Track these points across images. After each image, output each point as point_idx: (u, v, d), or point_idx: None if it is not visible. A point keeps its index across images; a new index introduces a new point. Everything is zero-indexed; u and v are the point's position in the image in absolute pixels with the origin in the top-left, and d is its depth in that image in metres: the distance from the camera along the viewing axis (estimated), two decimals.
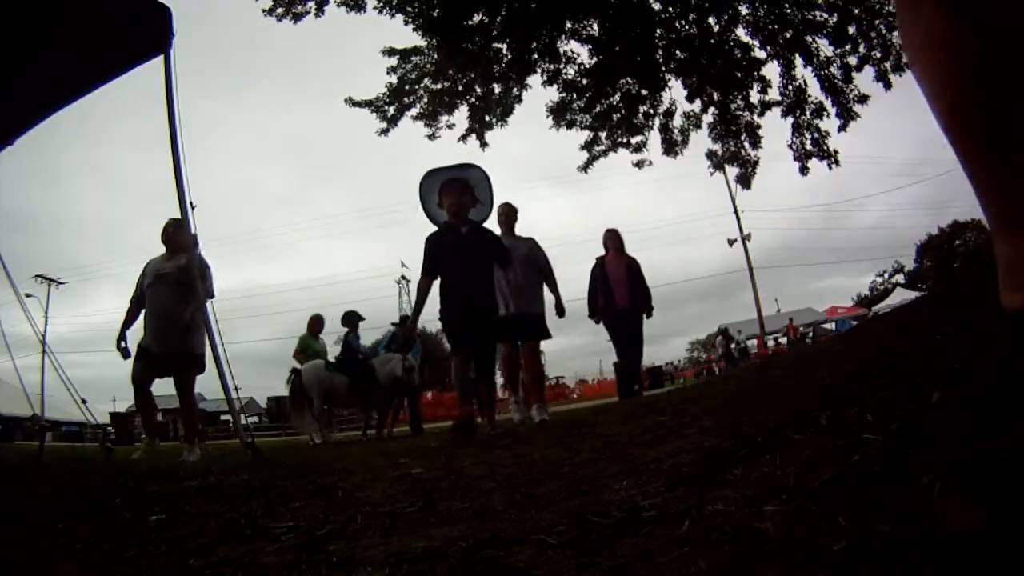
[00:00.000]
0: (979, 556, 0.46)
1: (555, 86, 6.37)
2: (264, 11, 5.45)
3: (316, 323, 7.56)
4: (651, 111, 6.91)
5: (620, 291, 5.61)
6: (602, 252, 5.85)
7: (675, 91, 6.90)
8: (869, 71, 6.28)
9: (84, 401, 4.54)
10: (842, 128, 6.57)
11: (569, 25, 6.04)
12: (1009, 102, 0.58)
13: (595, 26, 6.09)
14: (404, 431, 7.94)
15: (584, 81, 6.33)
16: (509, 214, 4.83)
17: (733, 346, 20.81)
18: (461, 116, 6.41)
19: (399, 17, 5.55)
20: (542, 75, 6.27)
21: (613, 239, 5.86)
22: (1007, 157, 0.62)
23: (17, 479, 2.47)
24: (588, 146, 6.99)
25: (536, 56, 6.15)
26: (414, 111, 6.23)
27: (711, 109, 6.90)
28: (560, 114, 6.54)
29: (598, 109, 6.63)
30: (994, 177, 0.65)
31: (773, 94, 6.60)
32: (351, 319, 7.32)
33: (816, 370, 1.57)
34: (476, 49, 5.78)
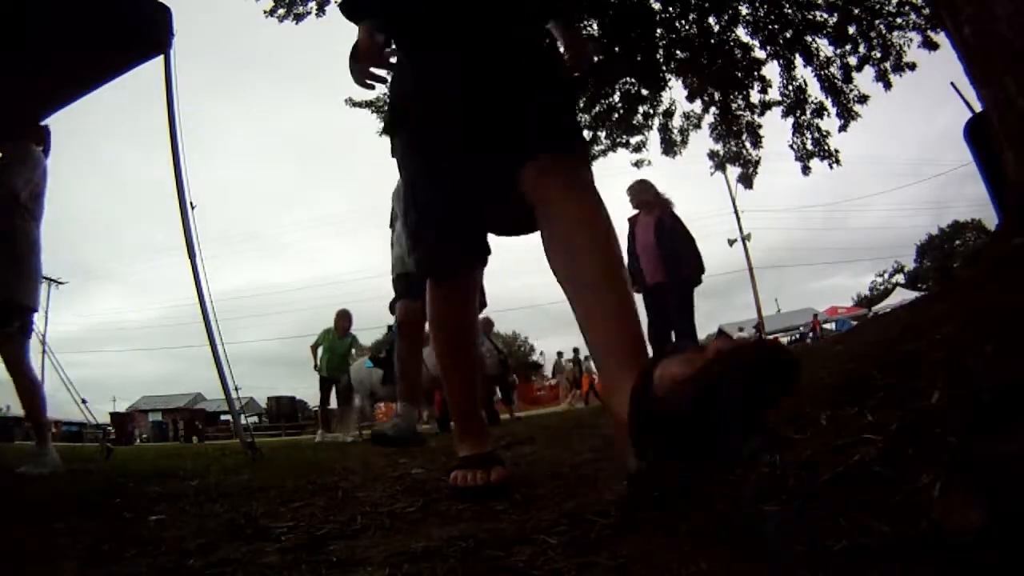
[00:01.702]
0: (979, 556, 0.46)
1: None
2: (265, 12, 5.46)
3: (343, 320, 6.97)
4: (651, 111, 6.91)
5: (648, 261, 4.53)
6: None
7: (675, 91, 6.91)
8: (869, 71, 6.29)
9: (84, 401, 4.53)
10: (842, 128, 6.58)
11: None
12: None
13: (595, 26, 6.10)
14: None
15: (584, 81, 6.34)
16: None
17: None
18: None
19: None
20: None
21: (636, 192, 4.75)
22: None
23: (17, 479, 2.47)
24: (587, 145, 7.00)
25: None
26: None
27: (712, 109, 6.90)
28: None
29: (597, 109, 6.64)
30: None
31: (773, 94, 6.61)
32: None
33: (816, 370, 1.56)
34: None
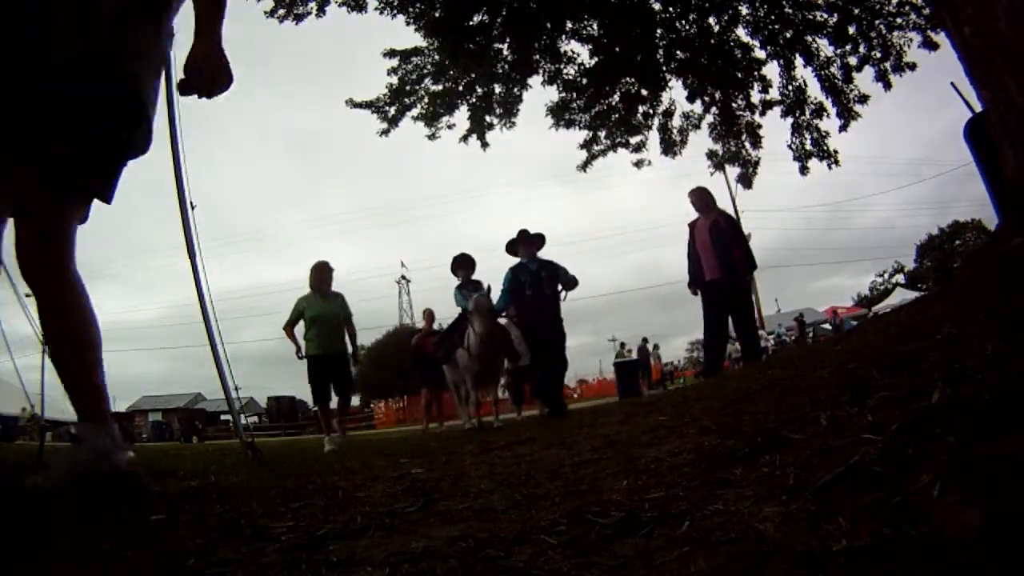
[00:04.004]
0: (979, 556, 0.46)
1: (555, 86, 6.38)
2: (266, 12, 5.46)
3: (319, 274, 5.18)
4: (650, 111, 6.91)
5: (707, 259, 4.89)
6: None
7: (675, 91, 6.91)
8: (869, 71, 6.29)
9: None
10: (843, 128, 6.58)
11: (569, 25, 6.05)
12: None
13: (595, 26, 6.10)
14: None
15: (584, 81, 6.34)
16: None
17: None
18: (461, 116, 6.43)
19: (401, 18, 5.56)
20: (542, 75, 6.28)
21: (696, 198, 5.12)
22: None
23: (17, 479, 2.46)
24: (587, 145, 7.00)
25: (537, 56, 6.15)
26: (415, 112, 6.24)
27: (712, 109, 6.90)
28: (559, 114, 6.55)
29: (597, 109, 6.64)
30: None
31: (773, 94, 6.61)
32: (457, 264, 5.27)
33: (816, 370, 1.56)
34: (477, 49, 5.78)
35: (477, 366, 4.70)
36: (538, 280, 4.90)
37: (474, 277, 5.35)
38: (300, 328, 5.15)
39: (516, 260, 5.15)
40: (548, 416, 4.86)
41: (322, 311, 4.99)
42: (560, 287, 5.03)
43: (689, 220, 5.28)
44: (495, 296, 4.81)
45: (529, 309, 4.97)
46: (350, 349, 5.32)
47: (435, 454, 2.42)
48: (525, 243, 5.08)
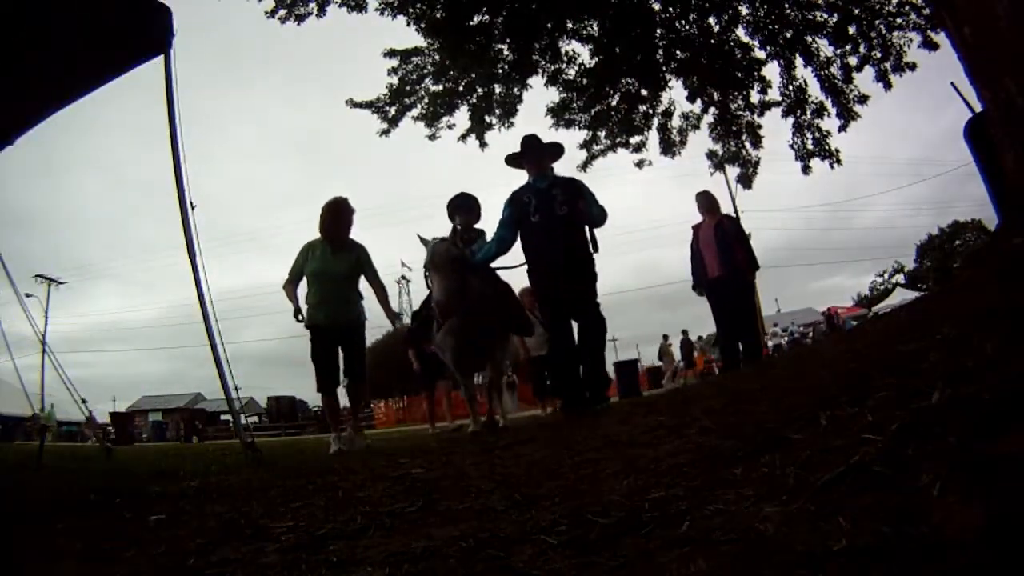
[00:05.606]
0: (979, 556, 0.46)
1: (556, 86, 6.38)
2: (266, 13, 5.45)
3: (333, 214, 3.79)
4: (650, 111, 6.91)
5: (709, 258, 5.14)
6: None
7: (675, 91, 6.91)
8: (869, 71, 6.29)
9: (84, 401, 4.55)
10: (842, 128, 6.58)
11: (570, 25, 6.05)
12: None
13: (595, 26, 6.10)
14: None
15: (584, 81, 6.34)
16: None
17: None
18: (461, 116, 6.43)
19: (401, 18, 5.56)
20: (543, 75, 6.29)
21: (701, 201, 5.39)
22: None
23: (17, 479, 2.47)
24: (587, 145, 7.00)
25: (537, 56, 6.16)
26: (415, 112, 6.24)
27: (712, 109, 6.90)
28: (559, 114, 6.55)
29: (597, 109, 6.64)
30: None
31: (773, 94, 6.61)
32: (453, 207, 3.89)
33: (816, 370, 1.56)
34: (477, 49, 5.79)
35: (451, 342, 3.36)
36: (547, 200, 3.27)
37: (479, 226, 3.93)
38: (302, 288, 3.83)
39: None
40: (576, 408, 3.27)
41: (326, 267, 3.69)
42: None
43: (692, 222, 5.45)
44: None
45: (536, 241, 3.32)
46: (384, 311, 3.90)
47: (435, 454, 2.41)
48: (532, 160, 3.42)
